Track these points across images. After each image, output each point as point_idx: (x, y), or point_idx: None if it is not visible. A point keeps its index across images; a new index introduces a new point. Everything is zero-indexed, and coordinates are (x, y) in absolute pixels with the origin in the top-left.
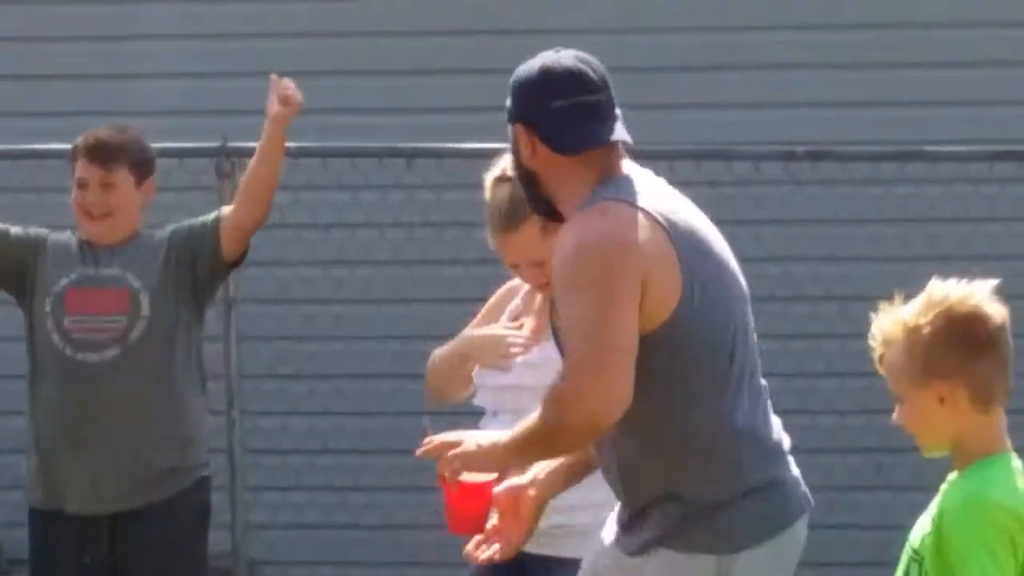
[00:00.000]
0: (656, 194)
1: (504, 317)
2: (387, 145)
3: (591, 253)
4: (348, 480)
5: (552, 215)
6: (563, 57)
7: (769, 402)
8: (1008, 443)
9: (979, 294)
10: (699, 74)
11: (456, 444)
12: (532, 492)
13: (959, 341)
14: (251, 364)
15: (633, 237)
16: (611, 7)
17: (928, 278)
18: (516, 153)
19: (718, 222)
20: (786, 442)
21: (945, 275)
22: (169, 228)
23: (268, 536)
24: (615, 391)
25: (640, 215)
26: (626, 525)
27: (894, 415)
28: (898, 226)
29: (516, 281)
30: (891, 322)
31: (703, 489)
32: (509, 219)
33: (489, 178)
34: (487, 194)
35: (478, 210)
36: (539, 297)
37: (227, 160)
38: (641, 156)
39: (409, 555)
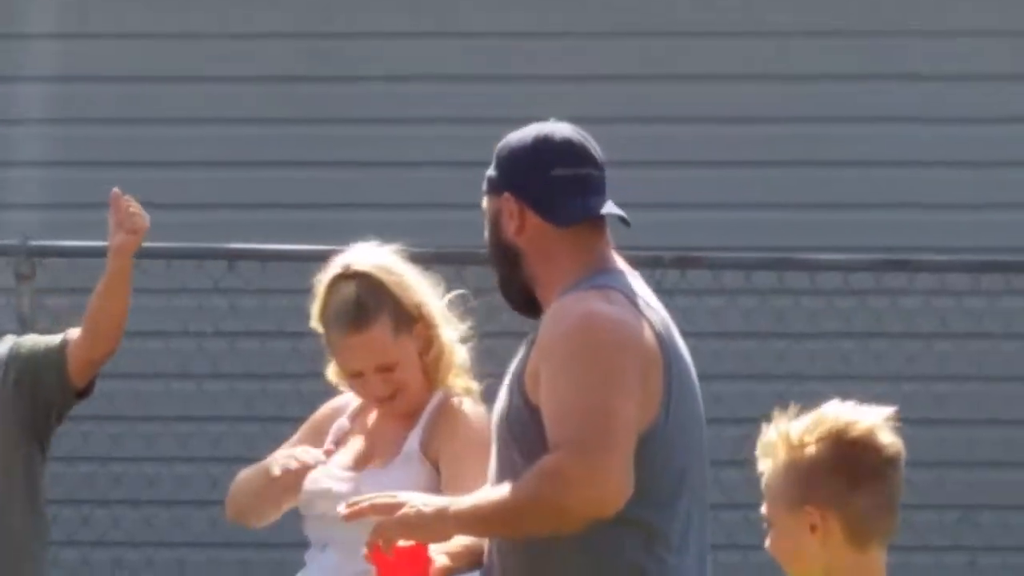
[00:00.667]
0: (648, 298)
1: (329, 437)
2: (207, 246)
3: (600, 329)
4: None
5: (525, 306)
6: (561, 127)
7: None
8: None
9: (874, 421)
10: None
11: (392, 507)
12: (447, 563)
13: (841, 468)
14: (50, 488)
15: (638, 330)
16: (457, 105)
17: (805, 399)
18: (497, 229)
19: None
20: None
21: (826, 397)
22: (8, 342)
23: None
24: (625, 476)
25: (639, 312)
26: None
27: (766, 542)
28: (775, 341)
29: (342, 399)
30: (776, 434)
31: None
32: (358, 317)
33: (327, 276)
34: (323, 294)
35: (306, 318)
36: (371, 416)
37: (27, 260)
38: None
39: None
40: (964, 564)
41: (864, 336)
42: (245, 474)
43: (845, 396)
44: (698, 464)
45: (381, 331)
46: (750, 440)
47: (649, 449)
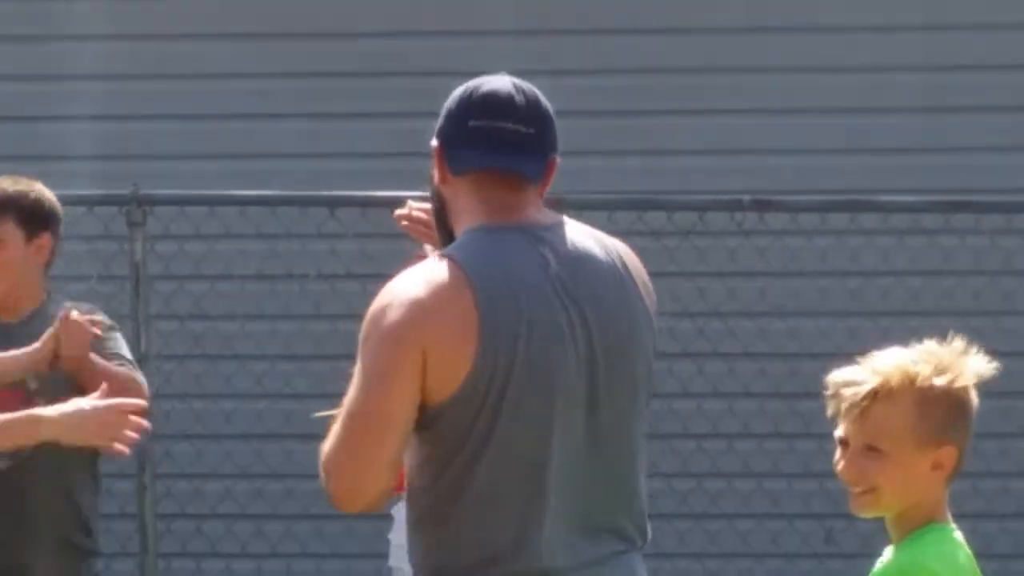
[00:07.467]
0: (513, 256)
1: None
2: (308, 193)
3: (385, 319)
4: (266, 547)
5: None
6: (497, 80)
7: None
8: (949, 516)
9: (971, 365)
10: (639, 119)
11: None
12: None
13: (970, 411)
14: (164, 424)
15: (427, 306)
16: (537, 49)
17: (879, 334)
18: (434, 174)
19: (660, 275)
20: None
21: (899, 331)
22: (69, 306)
23: None
24: (371, 480)
25: (457, 275)
26: None
27: (852, 467)
28: (849, 279)
29: None
30: (899, 372)
31: None
32: None
33: None
34: None
35: (403, 261)
36: None
37: (138, 208)
38: (578, 206)
39: None
40: None
41: (934, 274)
42: None
43: (916, 332)
44: (565, 420)
45: None
46: (826, 374)
47: (465, 412)
